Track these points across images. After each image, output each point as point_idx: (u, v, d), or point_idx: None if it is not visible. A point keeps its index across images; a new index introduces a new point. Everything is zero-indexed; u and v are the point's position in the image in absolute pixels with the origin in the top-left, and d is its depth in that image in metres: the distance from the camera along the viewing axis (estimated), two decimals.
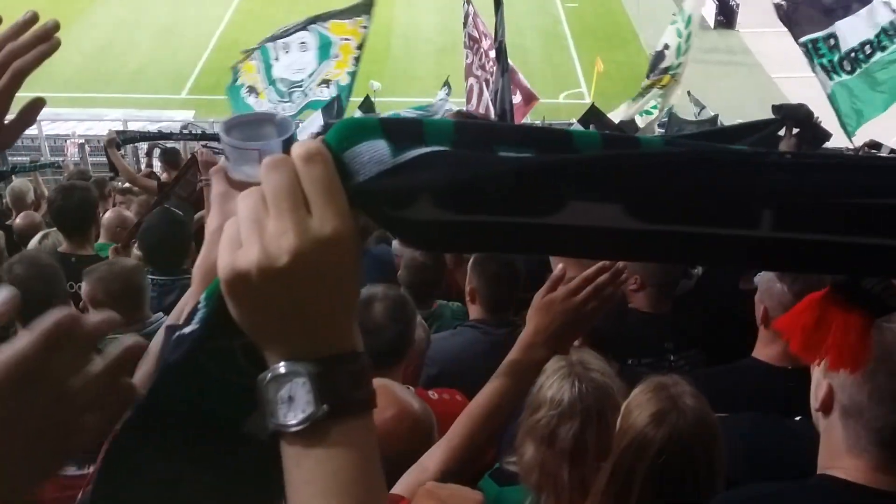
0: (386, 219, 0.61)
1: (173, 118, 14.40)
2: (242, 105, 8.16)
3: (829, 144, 4.27)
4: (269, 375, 0.59)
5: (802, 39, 6.08)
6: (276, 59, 8.25)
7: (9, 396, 0.55)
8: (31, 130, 13.97)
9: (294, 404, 0.58)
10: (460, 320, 3.01)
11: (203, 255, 0.94)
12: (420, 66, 16.69)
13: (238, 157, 0.87)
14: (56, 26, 1.08)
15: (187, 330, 0.65)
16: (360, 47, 8.19)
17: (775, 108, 4.04)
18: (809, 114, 3.96)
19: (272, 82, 8.24)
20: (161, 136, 9.46)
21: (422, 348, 2.28)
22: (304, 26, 8.34)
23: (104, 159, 9.03)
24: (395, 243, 4.60)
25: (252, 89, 8.23)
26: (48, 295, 2.71)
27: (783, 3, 6.14)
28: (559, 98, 17.87)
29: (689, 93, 10.86)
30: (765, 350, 2.12)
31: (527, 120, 9.46)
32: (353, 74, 8.24)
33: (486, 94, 8.26)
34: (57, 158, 11.68)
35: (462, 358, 2.54)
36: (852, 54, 5.91)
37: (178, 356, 0.65)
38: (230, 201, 0.91)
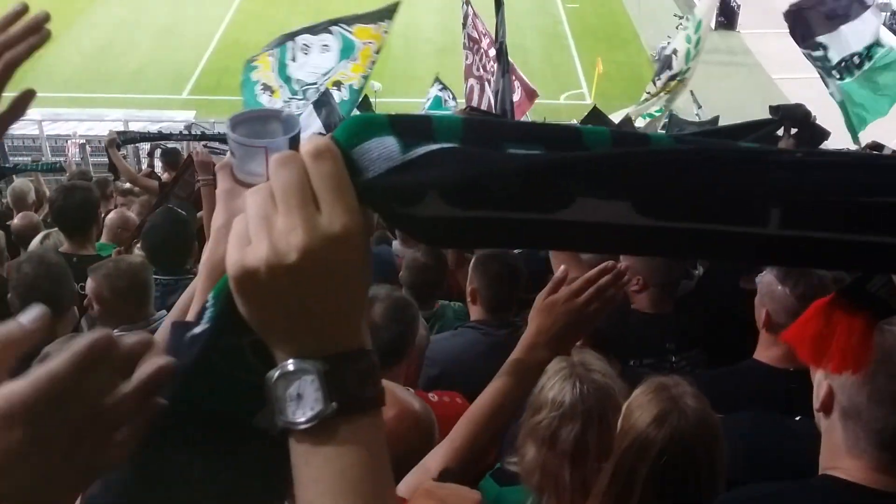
0: (394, 215, 0.61)
1: (174, 118, 14.39)
2: (255, 103, 8.14)
3: (829, 145, 4.26)
4: (278, 373, 0.59)
5: (804, 48, 6.13)
6: (294, 59, 8.22)
7: (42, 415, 0.55)
8: (32, 130, 14.01)
9: (303, 402, 0.58)
10: (462, 320, 3.01)
11: (209, 251, 0.94)
12: (420, 67, 16.68)
13: (244, 154, 0.87)
14: (46, 17, 1.08)
15: (198, 329, 0.65)
16: (377, 51, 8.21)
17: (773, 109, 4.04)
18: (807, 114, 3.96)
19: (286, 80, 8.22)
20: (161, 136, 9.45)
21: (421, 347, 2.28)
22: (327, 28, 8.31)
23: (105, 159, 9.03)
24: (396, 244, 4.60)
25: (267, 87, 8.19)
26: (56, 294, 2.72)
27: (792, 9, 6.17)
28: (560, 99, 17.88)
29: (691, 92, 10.87)
30: (766, 352, 2.12)
31: (527, 118, 9.45)
32: (366, 78, 8.27)
33: (488, 94, 8.26)
34: (59, 158, 11.68)
35: (463, 359, 2.54)
36: (842, 63, 5.95)
37: (192, 356, 0.65)
38: (236, 198, 0.91)
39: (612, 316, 2.07)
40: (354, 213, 0.58)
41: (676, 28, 21.01)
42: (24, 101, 1.11)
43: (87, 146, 12.94)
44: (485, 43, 8.58)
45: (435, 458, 1.47)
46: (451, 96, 9.12)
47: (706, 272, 3.19)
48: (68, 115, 15.15)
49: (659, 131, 9.37)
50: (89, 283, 2.74)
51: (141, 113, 15.36)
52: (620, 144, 0.64)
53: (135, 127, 11.07)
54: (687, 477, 1.33)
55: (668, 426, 1.33)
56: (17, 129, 14.26)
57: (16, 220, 4.99)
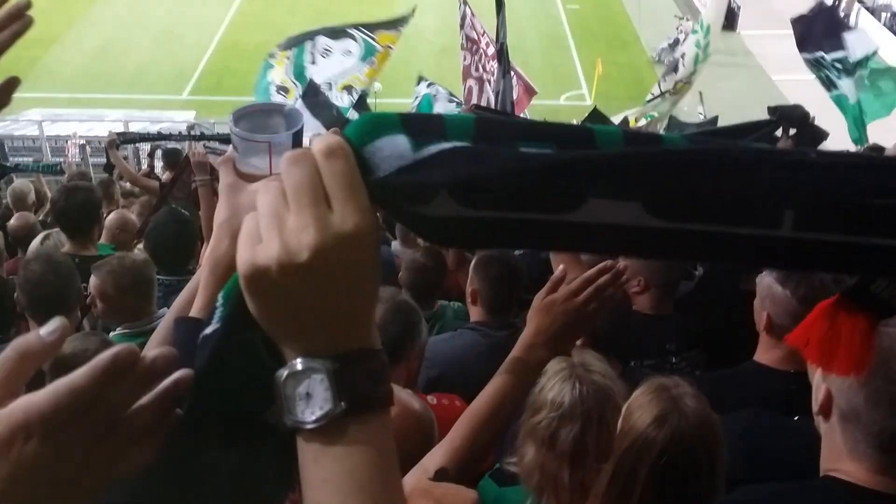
0: (405, 214, 0.61)
1: (174, 119, 14.39)
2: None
3: (827, 146, 4.26)
4: (287, 372, 0.59)
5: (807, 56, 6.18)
6: (313, 62, 8.23)
7: (62, 427, 0.55)
8: (32, 131, 14.01)
9: (312, 401, 0.58)
10: (462, 320, 3.01)
11: (212, 246, 0.93)
12: (420, 68, 16.69)
13: (246, 148, 0.86)
14: (28, 4, 1.08)
15: (209, 330, 0.65)
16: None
17: (771, 110, 4.03)
18: (805, 115, 3.95)
19: (300, 78, 8.22)
20: (161, 136, 9.45)
21: (422, 350, 2.28)
22: (349, 33, 8.31)
23: (105, 160, 9.03)
24: (395, 244, 4.60)
25: (282, 88, 8.21)
26: (63, 293, 2.74)
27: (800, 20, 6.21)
28: (560, 100, 17.88)
29: (700, 93, 10.85)
30: (766, 354, 2.12)
31: (525, 115, 9.43)
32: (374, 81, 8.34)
33: (487, 94, 8.25)
34: (58, 159, 11.68)
35: (462, 360, 2.54)
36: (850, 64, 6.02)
37: (204, 357, 0.65)
38: (238, 192, 0.90)
39: (613, 317, 2.08)
40: (366, 212, 0.57)
41: (676, 29, 20.98)
42: (9, 88, 1.11)
43: (88, 147, 12.94)
44: (483, 42, 8.57)
45: (434, 459, 1.47)
46: (440, 90, 8.97)
47: (706, 273, 3.19)
48: (68, 116, 15.15)
49: (657, 132, 9.39)
50: (93, 281, 2.75)
51: (141, 113, 15.37)
52: (633, 144, 0.64)
53: (135, 127, 11.08)
54: (687, 477, 1.33)
55: (668, 427, 1.32)
56: (17, 129, 14.28)
57: (12, 221, 4.99)
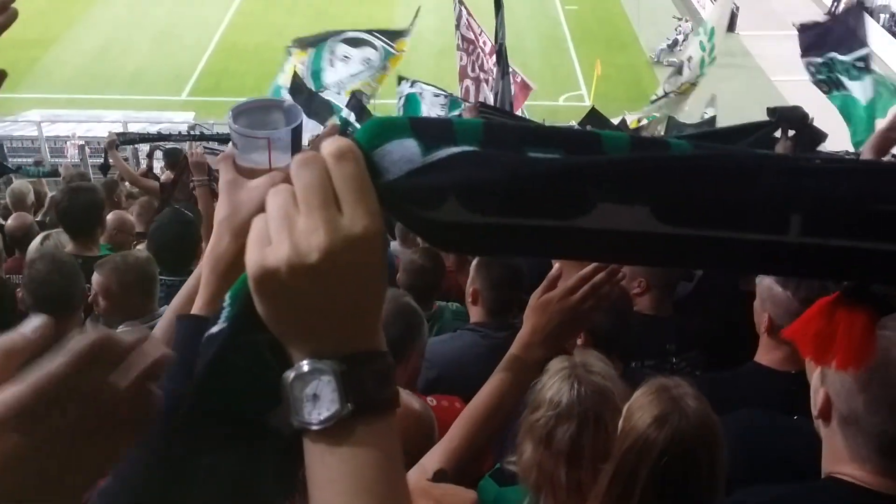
0: (413, 219, 0.61)
1: (173, 120, 14.39)
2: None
3: (826, 147, 4.26)
4: (294, 373, 0.59)
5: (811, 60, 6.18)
6: (332, 65, 8.28)
7: (41, 418, 0.55)
8: (31, 132, 14.01)
9: (319, 402, 0.58)
10: (461, 321, 3.00)
11: (212, 244, 0.93)
12: (419, 68, 16.69)
13: (246, 144, 0.86)
14: None
15: (215, 329, 0.66)
16: None
17: (770, 111, 4.03)
18: (804, 116, 3.95)
19: (316, 81, 8.26)
20: (161, 137, 9.46)
21: (421, 349, 2.28)
22: (370, 42, 8.36)
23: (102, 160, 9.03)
24: (394, 244, 4.59)
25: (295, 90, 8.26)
26: (68, 292, 2.74)
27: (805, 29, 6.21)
28: (559, 100, 17.90)
29: (714, 96, 10.84)
30: (767, 355, 2.11)
31: (522, 113, 9.41)
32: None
33: (484, 94, 8.25)
34: (57, 160, 11.68)
35: (461, 362, 2.53)
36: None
37: (209, 356, 0.65)
38: (239, 190, 0.90)
39: (614, 317, 2.08)
40: (376, 215, 0.58)
41: (675, 30, 20.96)
42: None
43: (87, 147, 12.94)
44: (481, 41, 8.57)
45: (432, 459, 1.47)
46: (424, 88, 8.91)
47: (705, 273, 3.19)
48: (67, 117, 15.15)
49: (657, 133, 9.40)
50: (96, 278, 2.75)
51: (140, 114, 15.37)
52: (640, 150, 0.64)
53: (133, 128, 11.08)
54: (688, 478, 1.33)
55: (668, 427, 1.32)
56: (16, 130, 14.28)
57: (10, 221, 4.98)
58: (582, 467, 1.45)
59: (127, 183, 7.38)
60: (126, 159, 9.25)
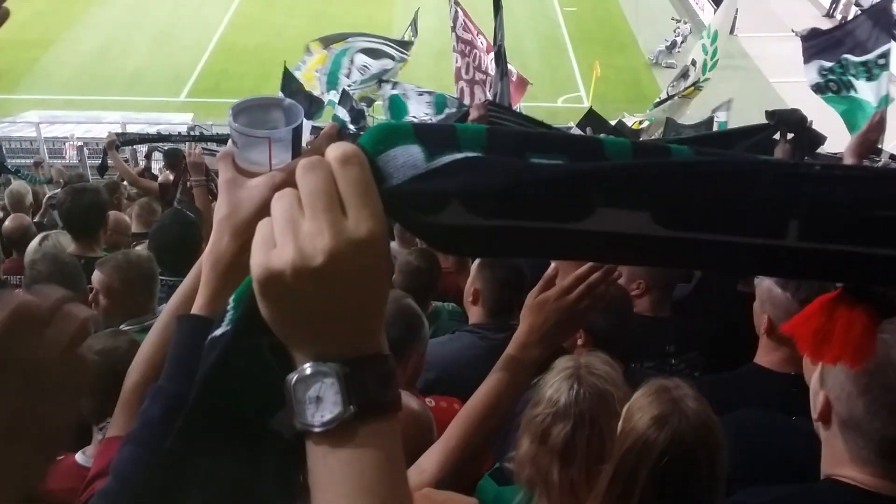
0: (416, 223, 0.62)
1: (172, 121, 14.39)
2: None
3: (825, 149, 4.26)
4: (297, 376, 0.59)
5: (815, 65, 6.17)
6: (348, 75, 8.33)
7: None
8: (30, 133, 14.00)
9: (322, 405, 0.58)
10: (457, 321, 3.00)
11: (212, 243, 0.93)
12: (418, 69, 16.73)
13: (245, 143, 0.86)
14: None
15: (219, 332, 0.66)
16: None
17: (769, 114, 4.03)
18: (803, 119, 3.95)
19: (332, 87, 8.32)
20: (160, 137, 9.46)
21: (421, 350, 2.28)
22: (387, 53, 8.40)
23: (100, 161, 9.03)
24: (393, 245, 4.58)
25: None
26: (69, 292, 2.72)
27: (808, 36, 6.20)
28: (558, 102, 17.91)
29: (730, 100, 10.83)
30: (767, 357, 2.12)
31: (520, 109, 9.39)
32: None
33: (481, 97, 8.24)
34: (56, 161, 11.68)
35: (460, 363, 2.53)
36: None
37: (212, 359, 0.65)
38: (238, 188, 0.90)
39: (614, 318, 2.08)
40: (380, 219, 0.58)
41: (673, 31, 20.95)
42: None
43: (85, 148, 12.93)
44: (479, 41, 8.56)
45: (430, 458, 1.47)
46: (407, 88, 8.86)
47: (705, 275, 3.19)
48: (66, 118, 15.14)
49: (656, 135, 9.41)
50: (97, 276, 2.74)
51: (139, 115, 15.36)
52: (641, 156, 0.65)
53: (132, 129, 11.09)
54: (688, 479, 1.33)
55: (668, 428, 1.32)
56: (15, 131, 14.27)
57: (7, 222, 4.99)
58: (575, 467, 1.45)
59: (126, 183, 7.39)
60: (125, 160, 9.24)
